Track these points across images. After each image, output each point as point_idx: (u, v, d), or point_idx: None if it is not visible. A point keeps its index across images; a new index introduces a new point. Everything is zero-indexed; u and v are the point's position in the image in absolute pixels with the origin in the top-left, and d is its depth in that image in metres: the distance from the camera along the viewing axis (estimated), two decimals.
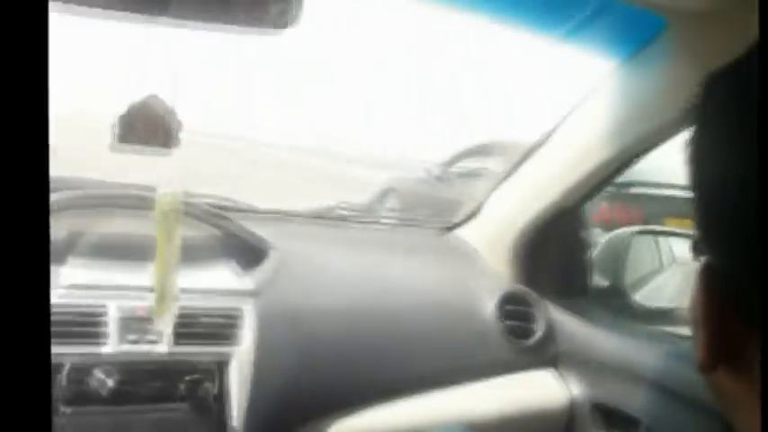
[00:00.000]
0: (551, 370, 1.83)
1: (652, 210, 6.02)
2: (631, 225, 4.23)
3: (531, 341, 1.81)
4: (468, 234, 2.06)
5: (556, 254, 1.91)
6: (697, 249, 0.56)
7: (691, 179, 0.55)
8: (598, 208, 5.68)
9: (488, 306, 1.81)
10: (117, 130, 1.01)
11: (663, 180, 6.06)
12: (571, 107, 1.74)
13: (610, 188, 5.37)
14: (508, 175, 1.93)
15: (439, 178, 8.26)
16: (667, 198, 5.97)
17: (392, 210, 7.56)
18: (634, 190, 6.19)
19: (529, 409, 1.74)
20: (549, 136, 1.79)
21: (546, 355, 1.83)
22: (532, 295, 1.87)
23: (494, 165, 7.57)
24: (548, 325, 1.83)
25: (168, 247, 1.09)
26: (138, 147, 1.02)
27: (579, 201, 1.82)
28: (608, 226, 4.51)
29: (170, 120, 1.02)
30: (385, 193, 8.59)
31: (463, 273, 1.91)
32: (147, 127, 1.01)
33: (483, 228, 2.02)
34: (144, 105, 1.01)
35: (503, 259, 1.94)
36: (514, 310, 1.83)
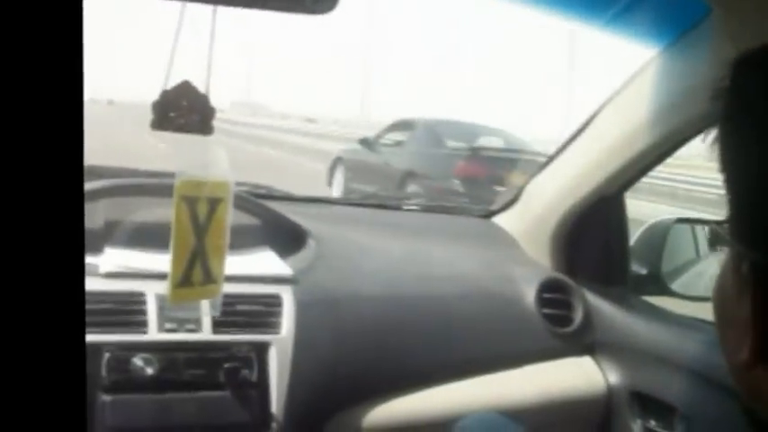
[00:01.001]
0: (589, 357, 1.81)
1: (496, 168, 8.57)
2: (480, 179, 7.74)
3: (569, 329, 1.80)
4: (506, 221, 2.05)
5: (594, 242, 1.88)
6: (727, 241, 0.54)
7: (722, 169, 0.54)
8: (457, 165, 8.77)
9: (527, 293, 1.80)
10: (151, 117, 1.01)
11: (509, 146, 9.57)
12: (611, 94, 1.71)
13: (466, 150, 8.79)
14: (548, 162, 1.91)
15: (371, 148, 10.24)
16: (511, 160, 8.74)
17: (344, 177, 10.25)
18: (484, 153, 8.91)
19: (566, 397, 1.73)
20: (589, 123, 1.77)
21: (584, 342, 1.81)
22: (571, 283, 1.86)
23: (409, 138, 9.97)
24: (586, 313, 1.82)
25: (192, 235, 1.08)
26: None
27: (619, 189, 1.79)
28: (465, 179, 8.06)
29: (204, 107, 1.02)
30: (336, 163, 10.87)
31: (502, 260, 1.90)
32: (181, 113, 1.02)
33: (522, 215, 2.00)
34: (177, 92, 1.01)
35: (541, 247, 1.92)
36: (553, 298, 1.82)
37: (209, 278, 1.13)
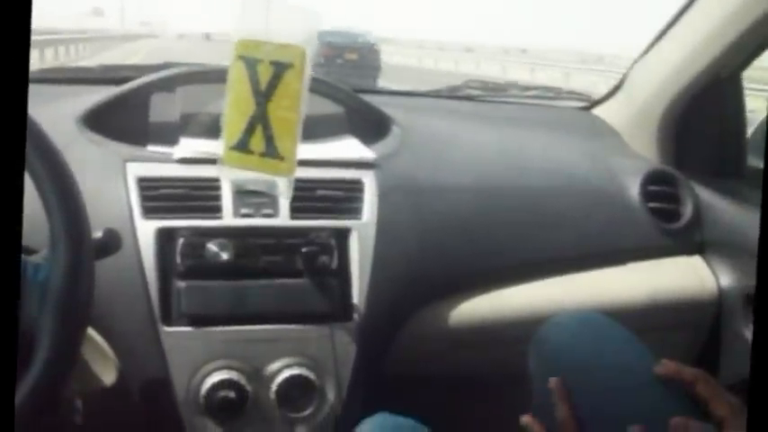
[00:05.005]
0: (699, 257, 1.68)
1: (339, 50, 18.11)
2: (331, 55, 18.58)
3: (678, 224, 1.66)
4: (607, 112, 1.91)
5: (706, 131, 1.73)
6: None
7: None
8: (319, 49, 16.00)
9: (631, 186, 1.67)
10: None
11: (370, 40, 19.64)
12: None
13: (325, 41, 18.86)
14: (651, 45, 1.75)
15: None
16: (348, 46, 18.69)
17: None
18: (332, 43, 17.81)
19: (673, 298, 1.60)
20: None
21: (693, 240, 1.68)
22: (679, 175, 1.71)
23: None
24: (696, 208, 1.67)
25: (251, 99, 1.01)
26: None
27: (735, 68, 1.62)
28: (324, 56, 17.89)
29: None
30: None
31: (603, 151, 1.77)
32: None
33: (625, 104, 1.85)
34: None
35: (646, 138, 1.77)
36: (660, 191, 1.68)
37: (275, 152, 1.05)
